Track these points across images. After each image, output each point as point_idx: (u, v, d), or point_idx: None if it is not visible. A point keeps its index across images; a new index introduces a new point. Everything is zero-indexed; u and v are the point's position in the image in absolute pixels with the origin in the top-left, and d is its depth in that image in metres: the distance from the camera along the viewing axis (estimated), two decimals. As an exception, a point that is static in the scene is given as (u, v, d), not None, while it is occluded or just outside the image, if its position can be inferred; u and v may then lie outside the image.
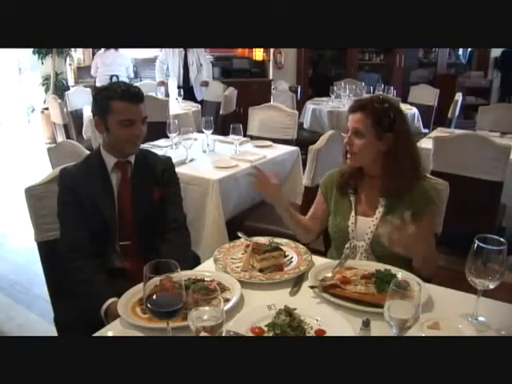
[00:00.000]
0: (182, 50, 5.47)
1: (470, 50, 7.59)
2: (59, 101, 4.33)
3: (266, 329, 1.11)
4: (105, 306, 1.39)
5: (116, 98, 1.55)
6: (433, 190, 1.61)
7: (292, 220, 1.67)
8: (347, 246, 1.60)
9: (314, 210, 1.76)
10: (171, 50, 5.46)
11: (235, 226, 1.84)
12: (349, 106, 1.64)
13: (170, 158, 1.81)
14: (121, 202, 1.64)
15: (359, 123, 1.53)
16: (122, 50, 6.01)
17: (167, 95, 5.08)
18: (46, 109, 5.79)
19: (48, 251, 1.66)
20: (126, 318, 1.16)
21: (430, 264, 1.47)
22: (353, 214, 1.61)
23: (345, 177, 1.64)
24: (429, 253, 1.43)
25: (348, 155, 1.58)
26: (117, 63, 5.88)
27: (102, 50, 5.93)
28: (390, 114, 1.53)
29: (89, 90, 5.26)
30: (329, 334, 1.10)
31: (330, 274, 1.35)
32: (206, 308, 0.96)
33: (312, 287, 1.30)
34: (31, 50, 6.07)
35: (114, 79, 5.66)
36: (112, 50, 5.84)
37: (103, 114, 1.58)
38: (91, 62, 6.53)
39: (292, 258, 1.50)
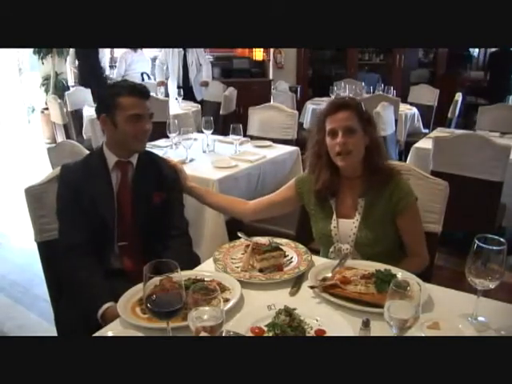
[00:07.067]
0: (181, 50, 5.46)
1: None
2: (59, 101, 4.33)
3: (266, 329, 1.11)
4: (101, 311, 1.38)
5: (124, 94, 1.56)
6: (408, 185, 1.58)
7: (216, 207, 1.87)
8: (332, 249, 1.61)
9: (273, 200, 1.74)
10: (171, 50, 5.46)
11: (235, 226, 1.84)
12: (325, 108, 1.59)
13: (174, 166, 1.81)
14: (120, 203, 1.63)
15: (349, 120, 1.53)
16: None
17: (167, 95, 5.08)
18: (46, 109, 5.79)
19: (48, 251, 1.66)
20: (126, 318, 1.16)
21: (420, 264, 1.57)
22: (334, 217, 1.60)
23: (321, 188, 1.60)
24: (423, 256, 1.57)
25: (341, 156, 1.53)
26: (142, 60, 5.82)
27: (124, 50, 5.79)
28: (364, 109, 1.58)
29: (89, 89, 5.27)
30: (329, 333, 1.10)
31: (329, 274, 1.35)
32: (206, 308, 0.96)
33: (312, 287, 1.30)
34: (31, 49, 6.06)
35: (145, 76, 5.70)
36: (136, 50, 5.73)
37: (111, 111, 1.57)
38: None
39: (292, 257, 1.50)
